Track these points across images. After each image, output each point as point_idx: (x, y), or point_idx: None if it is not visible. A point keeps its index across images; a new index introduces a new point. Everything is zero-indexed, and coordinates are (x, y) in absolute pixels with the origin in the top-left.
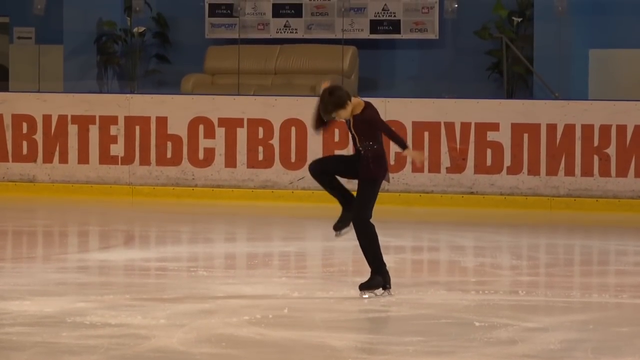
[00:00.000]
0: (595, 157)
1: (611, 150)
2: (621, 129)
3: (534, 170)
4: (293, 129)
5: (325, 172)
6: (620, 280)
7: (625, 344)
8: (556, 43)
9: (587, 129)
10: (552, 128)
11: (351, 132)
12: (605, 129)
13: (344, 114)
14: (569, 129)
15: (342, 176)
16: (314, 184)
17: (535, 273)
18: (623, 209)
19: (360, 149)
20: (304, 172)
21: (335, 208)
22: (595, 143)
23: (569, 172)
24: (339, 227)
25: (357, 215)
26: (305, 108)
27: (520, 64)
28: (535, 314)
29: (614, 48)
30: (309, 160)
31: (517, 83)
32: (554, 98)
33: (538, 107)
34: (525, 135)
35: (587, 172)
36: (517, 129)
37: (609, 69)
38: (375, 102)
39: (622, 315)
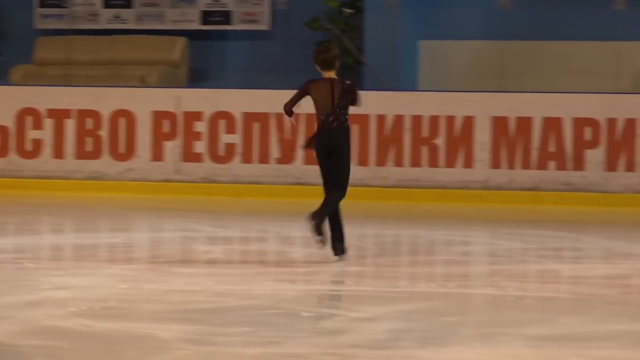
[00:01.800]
0: (424, 148)
1: (440, 141)
2: (450, 119)
3: (363, 161)
4: (122, 120)
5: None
6: (447, 270)
7: (452, 333)
8: (386, 34)
9: (416, 119)
10: (381, 119)
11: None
12: (434, 120)
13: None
14: (398, 119)
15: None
16: (143, 175)
17: (362, 263)
18: (451, 200)
19: (333, 121)
20: (133, 163)
21: (157, 199)
22: (424, 134)
23: (398, 162)
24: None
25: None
26: (135, 99)
27: (350, 55)
28: (362, 303)
29: (443, 39)
30: (138, 151)
31: (347, 74)
32: (383, 89)
33: (368, 98)
34: (355, 126)
35: (415, 162)
36: None
37: (438, 60)
38: (206, 93)
39: (449, 305)
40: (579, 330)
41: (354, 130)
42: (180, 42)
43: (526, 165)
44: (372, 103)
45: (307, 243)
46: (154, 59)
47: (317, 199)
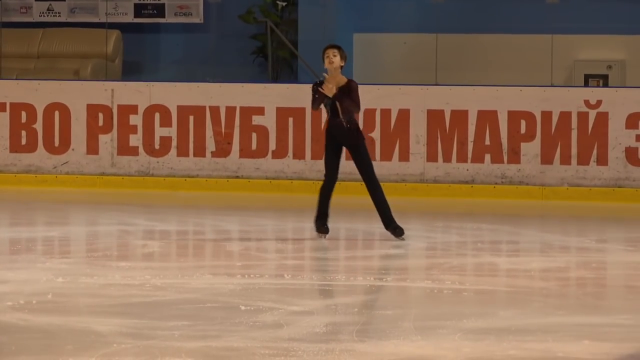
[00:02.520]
0: None
1: (375, 134)
2: (385, 112)
3: (299, 154)
4: (56, 113)
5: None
6: (385, 264)
7: (390, 326)
8: (320, 27)
9: None
10: (316, 112)
11: (334, 104)
12: (369, 113)
13: (337, 63)
14: None
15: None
16: (78, 168)
17: (300, 257)
18: (387, 193)
19: (343, 120)
20: (68, 156)
21: (93, 193)
22: (360, 127)
23: None
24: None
25: (374, 178)
26: (69, 92)
27: (285, 48)
28: (301, 297)
29: (377, 32)
30: (73, 144)
31: (282, 67)
32: None
33: (303, 91)
34: (290, 119)
35: (351, 156)
36: (282, 113)
37: (373, 52)
38: (140, 86)
39: (387, 298)
40: (517, 323)
41: (289, 124)
42: (114, 35)
43: (462, 159)
44: (307, 96)
45: (244, 236)
46: (87, 52)
47: (253, 192)
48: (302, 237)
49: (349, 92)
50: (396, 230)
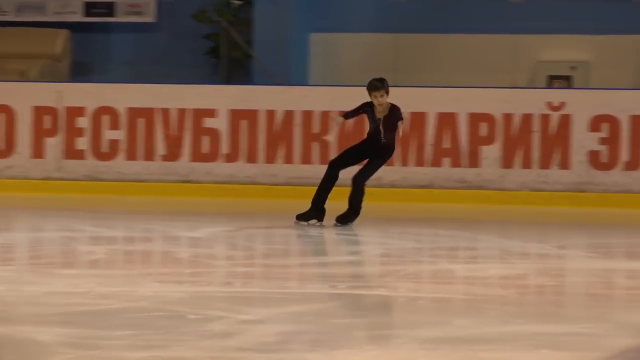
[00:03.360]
0: (315, 145)
1: (331, 137)
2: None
3: (252, 158)
4: (2, 115)
5: (338, 169)
6: (338, 271)
7: (342, 335)
8: (276, 27)
9: (307, 115)
10: (270, 114)
11: (379, 127)
12: (325, 116)
13: (384, 100)
14: (289, 115)
15: (354, 163)
16: (23, 172)
17: (251, 264)
18: (343, 197)
19: (384, 140)
20: (13, 160)
21: (38, 197)
22: (316, 129)
23: (288, 159)
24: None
25: (361, 178)
26: (15, 94)
27: (239, 48)
28: (251, 305)
29: (335, 32)
30: (18, 148)
31: (235, 68)
32: (273, 83)
33: (257, 93)
34: (244, 122)
35: (306, 159)
36: (235, 115)
37: (330, 53)
38: (89, 87)
39: (339, 306)
40: (473, 332)
41: (243, 127)
42: (62, 35)
43: (420, 162)
44: (261, 98)
45: (194, 243)
46: (34, 52)
47: (204, 197)
48: (253, 243)
49: (394, 116)
50: (342, 219)
